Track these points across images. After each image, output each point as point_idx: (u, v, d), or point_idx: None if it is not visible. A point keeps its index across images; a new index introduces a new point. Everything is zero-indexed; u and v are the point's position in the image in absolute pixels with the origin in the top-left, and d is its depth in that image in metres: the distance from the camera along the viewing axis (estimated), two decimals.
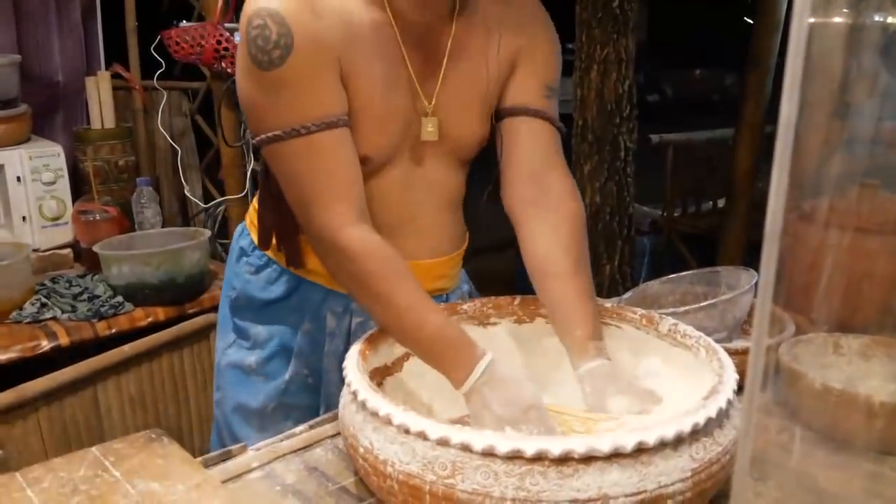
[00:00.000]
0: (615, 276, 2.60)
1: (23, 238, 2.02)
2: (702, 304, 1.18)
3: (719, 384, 0.86)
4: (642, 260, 3.47)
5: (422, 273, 1.10)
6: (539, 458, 0.74)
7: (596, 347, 1.00)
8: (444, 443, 0.77)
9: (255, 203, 1.23)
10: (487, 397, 0.91)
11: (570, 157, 2.67)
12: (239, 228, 1.28)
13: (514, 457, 0.75)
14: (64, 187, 2.06)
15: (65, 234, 2.09)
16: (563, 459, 0.74)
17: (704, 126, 3.81)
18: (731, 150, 3.14)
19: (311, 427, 1.06)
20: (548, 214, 1.07)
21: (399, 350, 1.08)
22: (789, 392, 1.06)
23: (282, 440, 1.02)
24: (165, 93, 2.40)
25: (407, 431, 0.80)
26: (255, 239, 1.20)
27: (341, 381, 1.18)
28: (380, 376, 1.06)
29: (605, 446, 0.74)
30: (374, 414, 0.83)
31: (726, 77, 12.64)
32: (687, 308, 1.18)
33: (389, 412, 0.82)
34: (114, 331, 1.70)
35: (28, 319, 1.67)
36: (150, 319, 1.77)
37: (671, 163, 3.58)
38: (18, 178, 2.00)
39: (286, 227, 1.13)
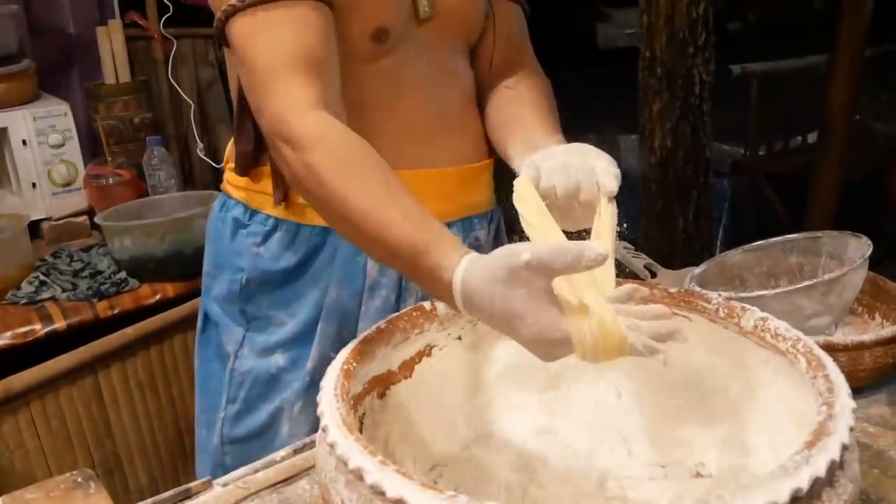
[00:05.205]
0: (689, 231, 2.32)
1: (34, 206, 1.88)
2: (798, 285, 0.91)
3: (828, 419, 0.61)
4: (721, 205, 3.15)
5: (464, 181, 1.04)
6: None
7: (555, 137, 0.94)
8: None
9: (228, 156, 1.06)
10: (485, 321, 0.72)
11: (636, 93, 2.39)
12: (219, 202, 1.08)
13: None
14: (74, 150, 1.89)
15: (79, 200, 1.93)
16: None
17: (793, 54, 3.41)
18: (824, 78, 2.80)
19: (296, 452, 0.86)
20: (512, 84, 1.04)
21: (409, 349, 0.86)
22: None
23: (257, 471, 0.83)
24: (175, 41, 2.20)
25: (382, 494, 0.58)
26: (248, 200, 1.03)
27: None
28: (381, 386, 0.84)
29: None
30: (345, 463, 0.62)
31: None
32: (778, 290, 0.92)
33: (361, 465, 0.60)
34: (116, 311, 1.53)
35: (24, 300, 1.52)
36: (157, 297, 1.59)
37: (755, 96, 3.22)
38: (24, 142, 1.84)
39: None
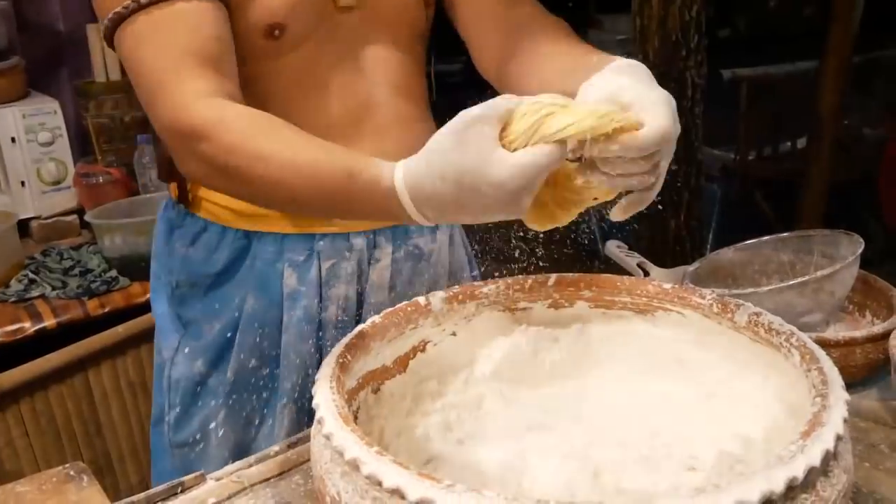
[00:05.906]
0: (680, 233, 2.32)
1: (23, 204, 1.87)
2: (790, 282, 0.92)
3: (822, 410, 0.61)
4: (712, 209, 3.16)
5: None
6: None
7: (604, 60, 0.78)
8: None
9: None
10: (437, 177, 0.66)
11: None
12: (163, 202, 1.06)
13: None
14: (63, 148, 1.88)
15: (69, 199, 1.93)
16: None
17: (783, 60, 3.43)
18: (814, 84, 2.82)
19: (290, 446, 0.85)
20: (528, 56, 0.89)
21: (403, 344, 0.86)
22: None
23: (250, 465, 0.82)
24: None
25: (379, 485, 0.58)
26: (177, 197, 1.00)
27: (319, 360, 0.97)
28: (375, 381, 0.84)
29: None
30: (341, 454, 0.61)
31: (805, 7, 11.87)
32: (770, 287, 0.92)
33: (357, 456, 0.59)
34: (107, 309, 1.53)
35: (13, 299, 1.51)
36: (148, 295, 1.57)
37: (746, 100, 3.24)
38: (13, 139, 1.83)
39: None
